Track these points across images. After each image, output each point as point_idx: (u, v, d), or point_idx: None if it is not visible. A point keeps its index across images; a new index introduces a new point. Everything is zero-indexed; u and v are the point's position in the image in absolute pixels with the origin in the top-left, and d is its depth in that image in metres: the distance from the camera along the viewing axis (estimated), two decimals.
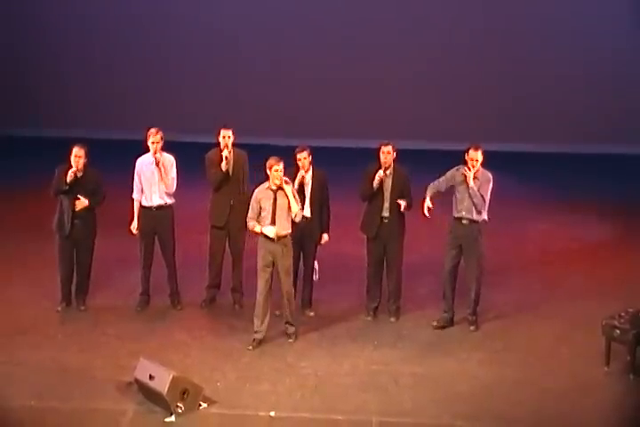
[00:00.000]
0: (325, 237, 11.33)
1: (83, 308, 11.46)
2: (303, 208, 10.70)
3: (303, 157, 11.02)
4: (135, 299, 11.54)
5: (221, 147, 11.25)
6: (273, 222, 10.42)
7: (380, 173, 10.94)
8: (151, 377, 9.23)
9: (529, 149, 18.17)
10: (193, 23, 18.72)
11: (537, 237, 14.22)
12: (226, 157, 11.18)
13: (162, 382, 9.11)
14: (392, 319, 11.34)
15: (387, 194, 11.03)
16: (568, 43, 18.13)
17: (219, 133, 11.28)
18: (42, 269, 12.16)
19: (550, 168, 17.47)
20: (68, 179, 10.95)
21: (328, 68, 18.43)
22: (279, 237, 10.48)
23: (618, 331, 9.94)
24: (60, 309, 11.41)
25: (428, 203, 10.89)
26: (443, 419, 9.17)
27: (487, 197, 10.86)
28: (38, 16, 18.89)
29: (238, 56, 18.63)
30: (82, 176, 11.04)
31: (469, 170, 10.80)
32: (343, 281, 12.13)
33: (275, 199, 10.43)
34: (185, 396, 9.15)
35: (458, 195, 10.88)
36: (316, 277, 11.32)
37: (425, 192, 11.01)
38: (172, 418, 9.11)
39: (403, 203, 11.00)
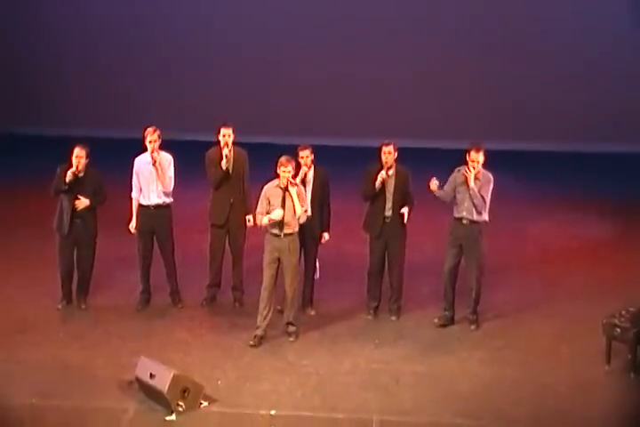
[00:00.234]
0: (326, 235, 11.34)
1: (84, 306, 11.47)
2: (307, 210, 10.68)
3: (305, 156, 11.02)
4: (136, 298, 11.54)
5: (221, 145, 11.25)
6: (281, 222, 10.46)
7: (383, 173, 10.93)
8: (152, 376, 9.23)
9: (529, 148, 18.17)
10: (193, 22, 18.73)
11: (537, 235, 14.23)
12: (226, 156, 11.18)
13: (162, 380, 9.11)
14: (393, 318, 11.34)
15: (389, 194, 11.03)
16: (568, 42, 18.15)
17: (219, 132, 11.27)
18: (43, 268, 12.16)
19: (550, 167, 17.47)
20: (67, 179, 10.95)
21: (329, 66, 18.44)
22: (286, 235, 10.51)
23: (618, 330, 9.95)
24: (60, 307, 11.42)
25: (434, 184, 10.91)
26: (443, 417, 9.18)
27: (488, 198, 10.86)
28: (39, 15, 18.90)
29: (239, 55, 18.64)
30: (83, 176, 11.05)
31: (470, 171, 10.79)
32: (344, 280, 12.13)
33: (283, 198, 10.46)
34: (186, 394, 9.15)
35: (458, 195, 10.88)
36: (316, 275, 11.33)
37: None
38: (173, 417, 9.11)
39: (405, 213, 11.00)
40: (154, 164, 11.13)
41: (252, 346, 10.54)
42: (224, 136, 11.22)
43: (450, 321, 11.16)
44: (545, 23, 18.16)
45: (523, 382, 9.88)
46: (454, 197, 10.93)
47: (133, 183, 11.28)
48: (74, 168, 10.96)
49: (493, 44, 18.23)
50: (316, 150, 11.18)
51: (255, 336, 10.61)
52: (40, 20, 18.91)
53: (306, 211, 10.58)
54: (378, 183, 10.96)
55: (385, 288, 11.38)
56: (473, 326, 11.11)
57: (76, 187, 11.05)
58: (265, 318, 10.61)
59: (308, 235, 11.01)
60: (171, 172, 11.28)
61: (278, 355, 10.40)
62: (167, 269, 11.52)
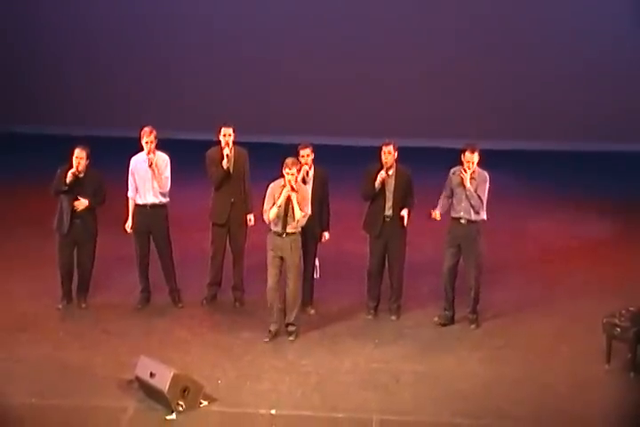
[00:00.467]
0: (326, 235, 11.34)
1: (84, 305, 11.48)
2: (306, 214, 10.67)
3: (306, 154, 11.02)
4: (136, 297, 11.54)
5: (222, 145, 11.25)
6: (285, 220, 10.49)
7: (382, 173, 10.93)
8: (152, 375, 9.23)
9: (529, 148, 18.17)
10: (193, 22, 18.71)
11: (537, 235, 14.22)
12: (227, 156, 11.18)
13: (162, 379, 9.11)
14: (393, 318, 11.34)
15: (389, 193, 11.03)
16: (568, 42, 18.14)
17: (219, 131, 11.28)
18: (43, 266, 12.16)
19: (550, 166, 17.47)
20: (68, 180, 10.97)
21: (329, 66, 18.42)
22: (288, 234, 10.54)
23: (618, 329, 9.95)
24: (60, 306, 11.42)
25: (437, 213, 10.93)
26: (443, 417, 9.18)
27: (484, 197, 10.86)
28: (39, 16, 18.89)
29: (239, 54, 18.62)
30: (83, 177, 11.05)
31: (465, 171, 10.79)
32: (344, 279, 12.13)
33: (288, 197, 10.47)
34: (186, 394, 9.15)
35: (455, 196, 10.88)
36: (316, 275, 11.32)
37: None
38: (173, 416, 9.11)
39: (405, 215, 11.00)
40: (150, 165, 11.13)
41: (266, 342, 10.60)
42: (225, 136, 11.22)
43: (450, 320, 11.16)
44: (545, 23, 18.15)
45: (523, 381, 9.88)
46: (453, 197, 10.93)
47: (129, 183, 11.28)
48: (74, 169, 10.97)
49: (493, 44, 18.23)
50: (316, 150, 11.18)
51: (269, 332, 10.69)
52: (40, 20, 18.91)
53: (305, 215, 10.58)
54: (378, 183, 10.96)
55: (385, 288, 11.38)
56: (473, 326, 11.11)
57: (76, 187, 11.06)
58: (276, 316, 10.69)
59: (307, 234, 10.99)
60: (167, 172, 11.28)
61: (278, 354, 10.40)
62: (165, 270, 11.51)
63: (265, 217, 10.58)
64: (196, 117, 17.72)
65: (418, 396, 9.55)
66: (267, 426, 9.02)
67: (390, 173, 11.00)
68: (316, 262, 11.30)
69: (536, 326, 11.16)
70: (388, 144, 11.00)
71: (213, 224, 11.50)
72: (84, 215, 11.16)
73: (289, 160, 10.49)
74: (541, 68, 18.18)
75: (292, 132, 16.40)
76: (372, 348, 10.59)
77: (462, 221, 10.89)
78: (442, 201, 11.04)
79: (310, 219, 10.86)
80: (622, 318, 9.99)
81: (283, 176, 10.50)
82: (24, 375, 9.79)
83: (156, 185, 11.20)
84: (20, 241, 13.42)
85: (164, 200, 11.34)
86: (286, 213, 10.50)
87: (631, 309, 10.10)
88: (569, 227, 14.52)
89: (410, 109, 18.37)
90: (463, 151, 10.81)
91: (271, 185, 10.60)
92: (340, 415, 9.17)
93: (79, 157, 10.99)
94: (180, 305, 11.54)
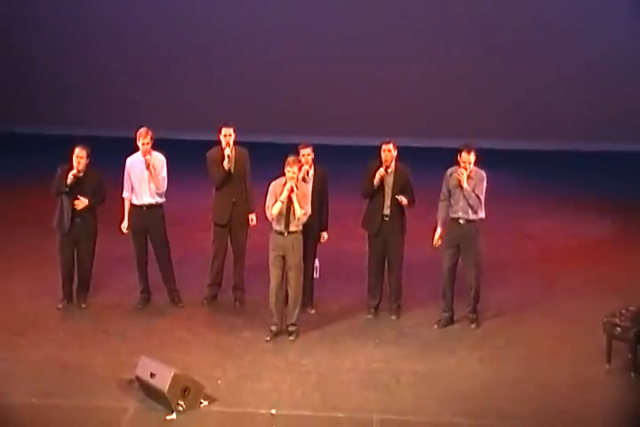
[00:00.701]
0: (325, 235, 11.34)
1: (84, 305, 11.48)
2: (307, 212, 10.67)
3: (307, 154, 11.03)
4: (136, 297, 11.55)
5: (223, 145, 11.25)
6: (287, 218, 10.50)
7: (381, 170, 10.94)
8: (152, 375, 9.23)
9: (529, 147, 18.17)
10: (193, 21, 18.72)
11: (537, 234, 14.22)
12: (228, 156, 11.18)
13: (163, 379, 9.11)
14: (393, 317, 11.34)
15: (388, 192, 11.03)
16: (568, 41, 18.13)
17: (220, 132, 11.28)
18: (43, 266, 12.17)
19: (550, 166, 17.46)
20: (68, 181, 10.98)
21: (329, 66, 18.42)
22: (290, 232, 10.55)
23: (619, 329, 9.94)
24: (60, 306, 11.42)
25: (438, 233, 10.91)
26: (443, 417, 9.17)
27: (482, 196, 10.85)
28: (39, 16, 18.89)
29: (239, 54, 18.63)
30: (83, 176, 11.06)
31: (462, 173, 10.78)
32: (344, 279, 12.12)
33: (289, 197, 10.48)
34: (186, 394, 9.15)
35: (453, 196, 10.86)
36: (316, 274, 11.32)
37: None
38: (174, 416, 9.11)
39: (404, 199, 10.99)
40: (147, 167, 11.14)
41: (268, 341, 10.62)
42: (225, 136, 11.22)
43: (449, 322, 11.15)
44: (545, 23, 18.16)
45: (523, 381, 9.87)
46: (451, 197, 10.92)
47: (125, 183, 11.29)
48: (75, 170, 10.97)
49: (494, 44, 18.22)
50: (316, 149, 11.18)
51: (271, 331, 10.70)
52: (40, 20, 18.91)
53: (305, 213, 10.58)
54: (376, 180, 10.95)
55: (385, 287, 11.38)
56: (473, 325, 11.11)
57: (76, 187, 11.06)
58: (278, 316, 10.70)
59: (307, 234, 10.98)
60: (164, 172, 11.29)
61: (279, 354, 10.40)
62: (162, 270, 11.50)
63: (267, 214, 10.59)
64: (197, 117, 17.73)
65: (418, 395, 9.55)
66: (267, 426, 9.01)
67: (389, 170, 11.00)
68: (316, 262, 11.29)
69: (536, 326, 11.16)
70: (387, 142, 11.01)
71: (214, 224, 11.50)
72: (85, 214, 11.17)
73: (290, 159, 10.51)
74: (541, 68, 18.18)
75: (293, 131, 16.40)
76: (373, 347, 10.59)
77: (461, 221, 10.89)
78: (440, 209, 10.96)
79: (310, 218, 10.86)
80: (622, 318, 9.98)
81: (284, 175, 10.50)
82: (24, 375, 9.79)
83: (152, 186, 11.21)
84: (20, 241, 13.43)
85: (161, 200, 11.34)
86: (288, 211, 10.51)
87: (631, 308, 10.10)
88: (569, 226, 14.53)
89: (410, 109, 18.37)
90: (459, 151, 10.80)
91: (273, 183, 10.61)
92: (341, 415, 9.17)
93: (79, 156, 11.00)
94: (181, 305, 11.54)
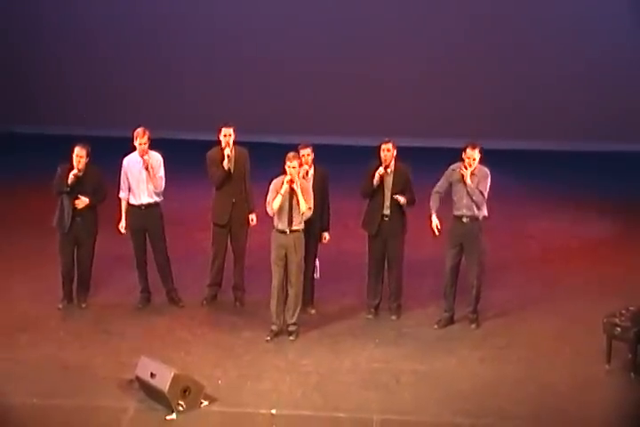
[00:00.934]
0: (326, 235, 11.34)
1: (84, 305, 11.48)
2: (311, 207, 10.68)
3: (307, 154, 11.03)
4: (136, 296, 11.55)
5: (222, 145, 11.25)
6: (290, 216, 10.51)
7: (380, 170, 10.94)
8: (152, 375, 9.23)
9: (529, 147, 18.17)
10: (193, 21, 18.72)
11: (537, 234, 14.22)
12: (228, 156, 11.18)
13: (163, 379, 9.12)
14: (393, 317, 11.34)
15: (387, 192, 11.03)
16: (568, 41, 18.13)
17: (220, 132, 11.28)
18: (43, 266, 12.18)
19: (551, 166, 17.46)
20: (69, 181, 10.98)
21: (329, 66, 18.41)
22: (292, 231, 10.56)
23: (619, 329, 9.94)
24: (61, 306, 11.43)
25: (435, 221, 10.90)
26: (444, 417, 9.18)
27: (486, 193, 10.86)
28: (39, 16, 18.89)
29: (239, 54, 18.62)
30: (83, 175, 11.06)
31: (466, 168, 10.79)
32: (344, 279, 12.12)
33: (291, 193, 10.51)
34: (186, 394, 9.15)
35: (456, 194, 10.87)
36: (316, 275, 11.32)
37: (428, 202, 10.97)
38: (174, 416, 9.11)
39: (401, 198, 10.99)
40: (146, 167, 11.14)
41: (268, 340, 10.63)
42: (225, 136, 11.22)
43: (450, 322, 11.15)
44: (546, 23, 18.15)
45: (523, 381, 9.87)
46: (452, 195, 10.91)
47: (121, 183, 11.29)
48: (75, 170, 10.98)
49: (494, 44, 18.22)
50: (317, 149, 11.18)
51: (271, 331, 10.70)
52: (40, 20, 18.90)
53: (310, 208, 10.58)
54: (376, 180, 10.95)
55: (385, 287, 11.38)
56: (473, 325, 11.11)
57: (77, 186, 11.07)
58: (278, 316, 10.71)
59: (308, 234, 10.99)
60: (161, 172, 11.30)
61: (279, 354, 10.40)
62: (161, 270, 11.51)
63: (268, 209, 10.58)
64: (197, 117, 17.72)
65: (419, 395, 9.55)
66: (267, 426, 9.01)
67: (389, 170, 11.00)
68: (317, 262, 11.30)
69: (536, 326, 11.16)
70: (387, 142, 11.01)
71: (214, 224, 11.50)
72: (85, 213, 11.18)
73: (290, 154, 10.55)
74: (541, 68, 18.18)
75: (293, 131, 16.41)
76: (373, 347, 10.59)
77: (464, 219, 10.88)
78: (432, 200, 10.95)
79: (311, 218, 10.85)
80: (623, 318, 9.98)
81: (284, 173, 10.51)
82: (24, 375, 9.79)
83: (150, 186, 11.21)
84: (21, 241, 13.42)
85: (159, 199, 11.36)
86: (290, 208, 10.51)
87: (631, 308, 10.10)
88: (569, 227, 14.53)
89: (410, 109, 18.37)
90: (464, 148, 10.82)
91: (274, 180, 10.62)
92: (341, 415, 9.17)
93: (79, 155, 11.01)
94: (181, 304, 11.54)
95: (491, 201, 10.96)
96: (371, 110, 18.32)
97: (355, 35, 18.38)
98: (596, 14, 18.04)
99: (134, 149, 11.24)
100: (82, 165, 11.02)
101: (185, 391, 9.14)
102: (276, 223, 10.62)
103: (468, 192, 10.80)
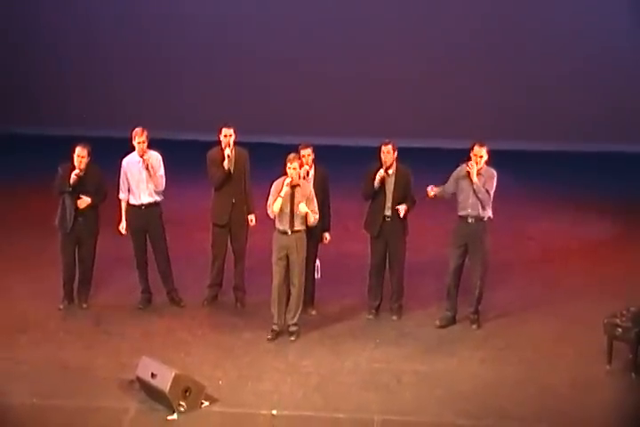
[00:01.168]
0: (327, 236, 11.33)
1: (85, 306, 11.48)
2: (314, 210, 10.67)
3: (307, 154, 11.02)
4: (137, 297, 11.55)
5: (223, 145, 11.25)
6: (292, 217, 10.51)
7: (381, 172, 10.94)
8: (153, 375, 9.23)
9: (529, 148, 18.16)
10: (194, 21, 18.70)
11: (537, 235, 14.22)
12: (228, 156, 11.18)
13: (164, 380, 9.11)
14: (394, 318, 11.34)
15: (389, 193, 11.04)
16: (568, 41, 18.11)
17: (220, 132, 11.28)
18: (43, 267, 12.18)
19: (551, 167, 17.45)
20: (72, 181, 10.98)
21: (329, 66, 18.40)
22: (294, 231, 10.57)
23: (620, 329, 9.94)
24: (61, 306, 11.43)
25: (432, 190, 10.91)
26: (445, 417, 9.18)
27: (492, 193, 10.86)
28: (39, 15, 18.88)
29: (240, 54, 18.61)
30: (84, 175, 11.06)
31: (473, 165, 10.79)
32: (345, 279, 12.11)
33: (292, 194, 10.52)
34: (187, 394, 9.15)
35: (462, 193, 10.86)
36: (317, 275, 11.32)
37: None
38: (175, 416, 9.11)
39: (402, 209, 10.99)
40: (146, 167, 11.14)
41: (269, 340, 10.64)
42: (225, 136, 11.22)
43: (451, 321, 11.15)
44: (546, 23, 18.14)
45: (524, 381, 9.87)
46: (456, 194, 10.90)
47: (121, 184, 11.29)
48: (77, 170, 10.98)
49: (494, 45, 18.21)
50: (317, 150, 11.18)
51: (272, 331, 10.71)
52: (40, 20, 18.89)
53: (316, 218, 10.61)
54: (376, 182, 10.96)
55: (386, 288, 11.38)
56: (474, 326, 11.10)
57: (79, 186, 11.07)
58: (280, 316, 10.72)
59: (309, 234, 10.97)
60: (161, 170, 11.31)
61: (279, 355, 10.40)
62: (161, 271, 11.51)
63: (269, 211, 10.59)
64: (197, 118, 17.72)
65: (419, 396, 9.55)
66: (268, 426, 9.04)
67: (390, 172, 11.01)
68: (317, 263, 11.29)
69: (537, 327, 11.16)
70: (387, 144, 11.01)
71: (214, 225, 11.49)
72: (87, 213, 11.18)
73: (291, 155, 10.56)
74: (541, 69, 18.16)
75: (293, 132, 16.39)
76: (374, 348, 10.59)
77: (469, 219, 10.87)
78: (441, 188, 10.98)
79: None
80: (623, 319, 9.99)
81: (285, 174, 10.51)
82: (25, 376, 9.80)
83: (150, 185, 11.21)
84: (21, 242, 13.42)
85: (159, 199, 11.36)
86: (292, 210, 10.51)
87: (632, 309, 10.10)
88: (569, 227, 14.53)
89: (410, 109, 18.36)
90: (472, 146, 10.83)
91: (275, 183, 10.62)
92: (342, 416, 9.17)
93: (80, 155, 11.02)
94: (182, 304, 11.54)
95: (492, 200, 10.95)
96: (371, 111, 18.31)
97: (355, 35, 18.37)
98: (596, 14, 18.02)
99: (134, 149, 11.24)
100: (83, 165, 11.03)
101: (186, 392, 9.15)
102: (277, 224, 10.62)
103: (474, 190, 10.79)
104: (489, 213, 10.90)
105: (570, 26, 18.11)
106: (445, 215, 11.33)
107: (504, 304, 11.67)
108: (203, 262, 11.79)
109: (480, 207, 10.83)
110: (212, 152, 11.38)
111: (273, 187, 10.59)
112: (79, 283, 11.46)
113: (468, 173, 10.80)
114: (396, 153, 11.03)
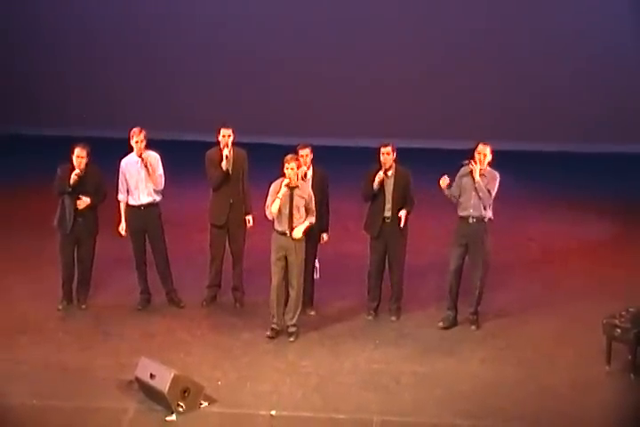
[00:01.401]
0: (325, 236, 11.33)
1: (84, 306, 11.48)
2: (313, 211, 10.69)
3: (305, 154, 11.02)
4: (136, 298, 11.55)
5: (221, 146, 11.24)
6: (291, 218, 10.52)
7: (381, 174, 10.94)
8: (152, 376, 9.23)
9: (530, 148, 18.17)
10: (193, 21, 18.72)
11: (537, 236, 14.22)
12: (226, 156, 11.18)
13: (163, 380, 9.11)
14: (393, 318, 11.34)
15: (388, 195, 11.03)
16: (569, 41, 18.12)
17: (218, 132, 11.27)
18: (43, 267, 12.18)
19: (551, 167, 17.45)
20: (71, 181, 10.98)
21: (328, 66, 18.43)
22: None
23: (619, 330, 9.93)
24: (60, 307, 11.42)
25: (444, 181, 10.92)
26: (444, 418, 9.17)
27: (493, 194, 10.86)
28: (39, 16, 18.89)
29: (239, 55, 18.63)
30: (84, 175, 11.06)
31: (476, 163, 10.79)
32: (344, 280, 12.11)
33: (291, 195, 10.52)
34: (186, 395, 9.15)
35: (464, 193, 10.85)
36: (316, 276, 11.32)
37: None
38: (173, 417, 9.11)
39: (403, 216, 10.98)
40: (145, 165, 11.14)
41: (269, 337, 10.66)
42: (224, 137, 11.22)
43: (453, 322, 11.13)
44: (546, 23, 18.15)
45: (523, 382, 9.87)
46: (460, 194, 10.91)
47: (120, 185, 11.28)
48: (77, 170, 10.98)
49: (494, 45, 18.23)
50: (316, 150, 11.18)
51: (272, 329, 10.73)
52: (40, 20, 18.91)
53: (312, 223, 10.63)
54: (376, 184, 10.96)
55: (385, 288, 11.37)
56: (474, 327, 11.10)
57: (79, 186, 11.07)
58: (279, 316, 10.73)
59: (307, 235, 10.97)
60: (160, 169, 11.31)
61: (279, 355, 10.40)
62: (160, 272, 11.51)
63: (267, 213, 10.59)
64: (195, 118, 17.71)
65: (418, 397, 9.55)
66: None
67: (389, 173, 11.00)
68: (316, 263, 11.29)
69: (537, 328, 11.15)
70: (386, 145, 11.01)
71: (212, 226, 11.49)
72: (86, 214, 11.18)
73: (288, 156, 10.55)
74: (543, 69, 18.17)
75: (292, 132, 16.37)
76: (373, 349, 10.59)
77: (471, 220, 10.86)
78: (451, 188, 10.97)
79: None
80: (622, 320, 9.98)
81: (283, 176, 10.51)
82: (24, 376, 9.79)
83: (149, 185, 11.21)
84: (21, 242, 13.42)
85: (158, 199, 11.36)
86: (290, 210, 10.51)
87: (631, 310, 10.09)
88: (569, 228, 14.53)
89: (410, 110, 18.37)
90: (476, 145, 10.85)
91: (274, 184, 10.62)
92: (341, 416, 9.16)
93: (80, 156, 11.02)
94: (182, 304, 11.54)
95: (493, 202, 10.94)
96: (370, 111, 18.32)
97: (354, 35, 18.39)
98: (597, 15, 18.03)
99: (132, 149, 11.24)
100: (83, 166, 11.03)
101: (185, 392, 9.14)
102: (276, 225, 10.62)
103: (476, 189, 10.79)
104: (489, 214, 10.90)
105: (571, 26, 18.12)
106: (445, 216, 11.32)
107: (504, 305, 11.67)
108: (202, 263, 11.79)
109: (481, 208, 10.83)
110: (211, 152, 11.37)
111: (271, 188, 10.60)
112: (78, 283, 11.46)
113: (472, 171, 10.79)
114: (395, 154, 11.03)
